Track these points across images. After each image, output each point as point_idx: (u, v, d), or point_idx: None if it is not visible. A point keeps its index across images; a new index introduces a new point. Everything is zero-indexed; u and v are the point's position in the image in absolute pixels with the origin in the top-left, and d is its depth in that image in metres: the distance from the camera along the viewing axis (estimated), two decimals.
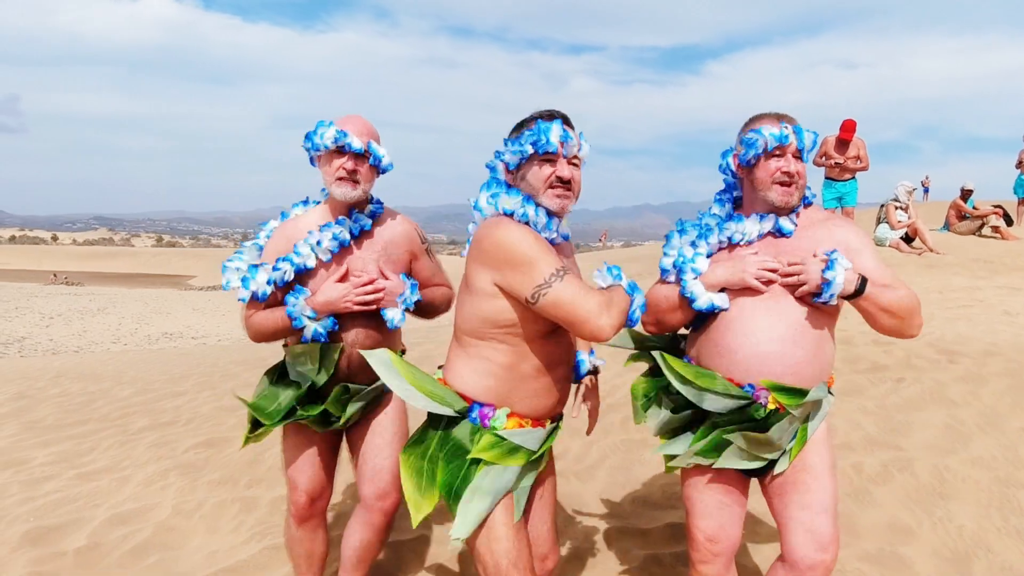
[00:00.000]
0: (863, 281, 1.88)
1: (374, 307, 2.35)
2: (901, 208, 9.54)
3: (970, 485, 3.27)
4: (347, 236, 2.35)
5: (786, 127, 1.98)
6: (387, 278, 2.38)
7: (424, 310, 2.51)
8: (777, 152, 1.98)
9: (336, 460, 2.62)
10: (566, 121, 1.92)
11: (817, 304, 1.94)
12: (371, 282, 2.34)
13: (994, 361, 4.68)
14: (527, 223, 1.86)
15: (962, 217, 11.31)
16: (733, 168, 2.11)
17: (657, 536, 3.10)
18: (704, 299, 2.00)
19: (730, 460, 2.00)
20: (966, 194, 11.40)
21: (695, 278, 2.02)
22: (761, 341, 1.95)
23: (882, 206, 9.77)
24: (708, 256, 2.07)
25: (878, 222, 9.76)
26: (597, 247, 30.90)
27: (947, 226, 11.49)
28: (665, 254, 2.10)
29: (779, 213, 2.04)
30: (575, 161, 1.92)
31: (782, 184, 1.99)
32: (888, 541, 2.93)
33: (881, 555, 2.83)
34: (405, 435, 2.51)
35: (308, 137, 2.33)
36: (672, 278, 2.07)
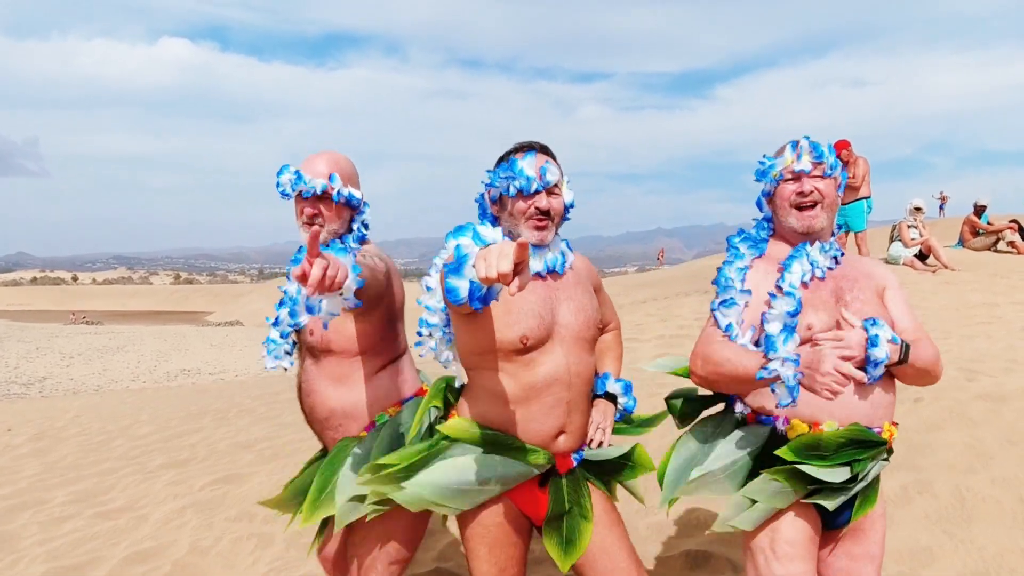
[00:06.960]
0: (906, 350, 1.75)
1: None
2: (914, 226, 9.48)
3: (992, 505, 3.21)
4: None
5: (799, 147, 1.88)
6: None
7: None
8: (790, 177, 1.89)
9: None
10: (543, 150, 1.92)
11: None
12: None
13: (1014, 378, 4.61)
14: None
15: (976, 233, 11.23)
16: (765, 205, 2.00)
17: (674, 564, 3.06)
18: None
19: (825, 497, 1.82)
20: (980, 209, 11.32)
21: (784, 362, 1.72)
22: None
23: (895, 225, 9.73)
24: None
25: (891, 240, 9.70)
26: (654, 267, 30.87)
27: (961, 242, 11.39)
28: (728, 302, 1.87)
29: (808, 239, 1.91)
30: (555, 190, 1.91)
31: (799, 208, 1.89)
32: (909, 564, 2.88)
33: None
34: None
35: (277, 182, 2.29)
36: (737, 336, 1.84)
